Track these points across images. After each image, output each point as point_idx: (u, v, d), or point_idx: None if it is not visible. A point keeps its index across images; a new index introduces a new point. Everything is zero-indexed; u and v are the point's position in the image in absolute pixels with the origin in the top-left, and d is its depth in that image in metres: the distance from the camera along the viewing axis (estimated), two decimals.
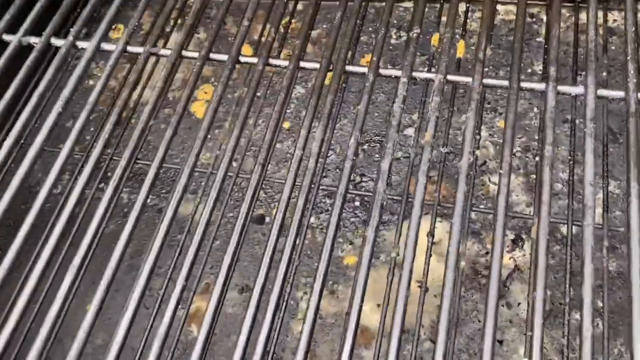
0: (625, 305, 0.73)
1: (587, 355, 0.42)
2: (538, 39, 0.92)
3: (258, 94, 0.87)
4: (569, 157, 0.76)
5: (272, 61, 0.58)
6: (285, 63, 0.58)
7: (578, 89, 0.52)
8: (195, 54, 0.59)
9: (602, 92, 0.51)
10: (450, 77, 0.54)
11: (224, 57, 0.59)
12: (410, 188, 0.86)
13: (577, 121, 0.79)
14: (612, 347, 0.69)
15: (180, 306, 0.65)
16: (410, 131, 0.88)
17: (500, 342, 0.71)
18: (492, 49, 0.94)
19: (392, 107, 0.53)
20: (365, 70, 0.56)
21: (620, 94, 0.51)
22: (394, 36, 0.99)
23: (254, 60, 0.59)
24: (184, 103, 0.56)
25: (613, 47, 0.87)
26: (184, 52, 0.60)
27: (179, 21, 0.92)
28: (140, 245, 0.87)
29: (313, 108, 0.55)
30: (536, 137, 0.86)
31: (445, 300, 0.45)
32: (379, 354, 0.66)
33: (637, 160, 0.46)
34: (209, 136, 0.76)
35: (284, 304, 0.72)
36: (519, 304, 0.74)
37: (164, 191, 0.92)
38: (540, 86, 0.52)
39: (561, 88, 0.51)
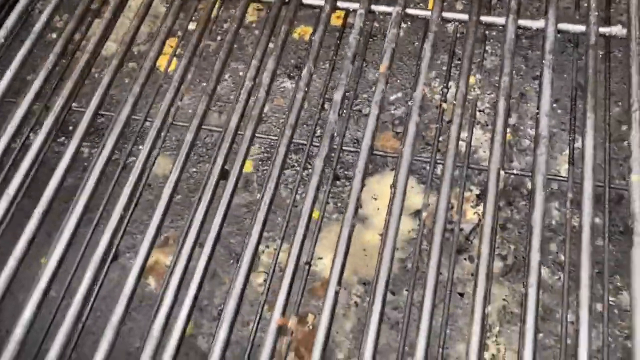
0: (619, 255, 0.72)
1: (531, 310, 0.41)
2: None
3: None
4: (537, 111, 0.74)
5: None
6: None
7: (539, 23, 0.50)
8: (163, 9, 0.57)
9: (563, 25, 0.49)
10: (409, 11, 0.52)
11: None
12: (377, 144, 0.85)
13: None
14: (572, 300, 0.68)
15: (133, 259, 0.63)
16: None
17: (462, 294, 0.70)
18: None
19: (349, 40, 0.51)
20: (321, 2, 0.54)
21: (581, 28, 0.49)
22: None
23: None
24: (154, 56, 0.53)
25: None
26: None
27: None
28: (99, 199, 0.85)
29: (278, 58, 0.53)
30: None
31: (386, 252, 0.44)
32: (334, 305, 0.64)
33: (593, 90, 0.45)
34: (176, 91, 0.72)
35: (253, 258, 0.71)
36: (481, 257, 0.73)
37: (125, 145, 0.90)
38: (501, 20, 0.51)
39: (522, 22, 0.50)
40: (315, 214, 0.84)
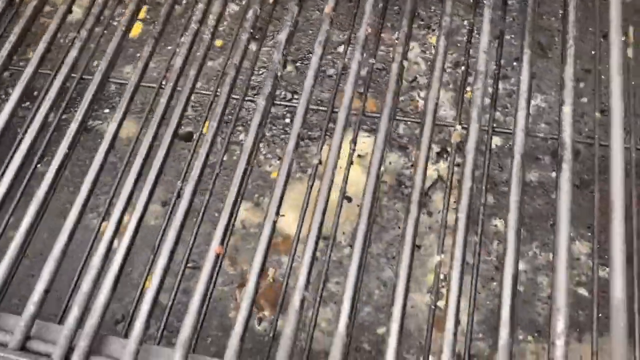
0: (543, 212, 0.73)
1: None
2: None
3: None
4: (496, 69, 0.75)
5: None
6: None
7: None
8: None
9: None
10: None
11: None
12: (338, 103, 0.85)
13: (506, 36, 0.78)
14: (528, 250, 0.69)
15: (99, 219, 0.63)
16: (342, 49, 0.86)
17: (419, 247, 0.71)
18: None
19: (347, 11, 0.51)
20: None
21: None
22: None
23: None
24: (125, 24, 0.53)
25: None
26: None
27: None
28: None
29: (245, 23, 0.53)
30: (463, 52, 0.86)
31: (364, 208, 0.45)
32: (292, 258, 0.65)
33: (531, 28, 0.46)
34: (137, 54, 0.72)
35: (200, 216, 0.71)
36: (439, 212, 0.74)
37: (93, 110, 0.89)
38: None
39: None
40: (275, 174, 0.84)
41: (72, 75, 0.71)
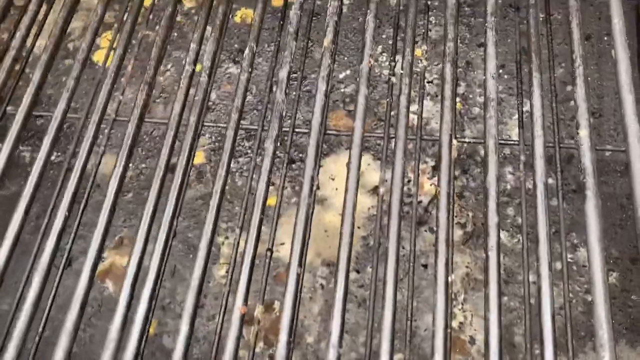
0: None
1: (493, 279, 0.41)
2: None
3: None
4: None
5: None
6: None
7: None
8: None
9: None
10: None
11: None
12: (330, 123, 0.84)
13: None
14: (533, 260, 0.69)
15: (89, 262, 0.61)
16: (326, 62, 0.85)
17: (425, 266, 0.70)
18: None
19: (289, 13, 0.49)
20: None
21: None
22: None
23: None
24: (86, 50, 0.51)
25: None
26: None
27: None
28: (47, 205, 0.81)
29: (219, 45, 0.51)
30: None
31: (345, 230, 0.43)
32: (300, 290, 0.64)
33: (537, 50, 0.45)
34: (115, 85, 0.69)
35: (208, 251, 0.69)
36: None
37: (69, 147, 0.86)
38: None
39: None
40: (272, 200, 0.82)
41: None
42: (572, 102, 0.56)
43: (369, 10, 0.49)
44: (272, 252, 0.68)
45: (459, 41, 0.83)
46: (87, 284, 0.42)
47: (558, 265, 0.66)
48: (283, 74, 0.47)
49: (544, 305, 0.39)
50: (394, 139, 0.73)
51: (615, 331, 0.53)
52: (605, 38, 0.82)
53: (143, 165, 0.83)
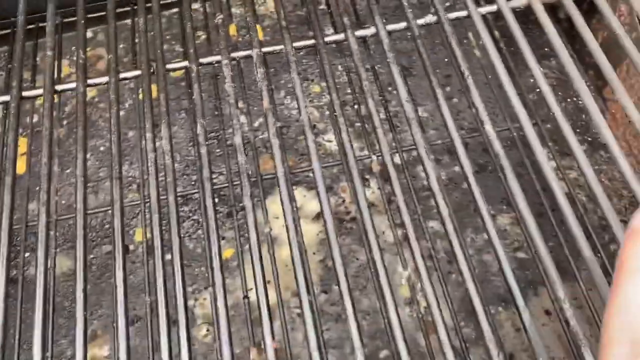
0: (463, 202, 0.86)
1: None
2: (321, 7, 1.02)
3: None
4: (380, 97, 0.86)
5: (91, 81, 0.58)
6: (105, 79, 0.58)
7: (370, 30, 0.60)
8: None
9: (389, 26, 0.60)
10: (265, 49, 0.59)
11: (39, 91, 0.57)
12: (262, 168, 0.91)
13: (375, 66, 0.89)
14: (466, 237, 0.81)
15: None
16: (243, 118, 0.92)
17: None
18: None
19: (224, 89, 0.56)
20: (185, 64, 0.59)
21: (402, 24, 0.60)
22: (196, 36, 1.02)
23: (72, 85, 0.58)
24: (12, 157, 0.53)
25: None
26: None
27: None
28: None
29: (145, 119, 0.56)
30: (347, 92, 0.96)
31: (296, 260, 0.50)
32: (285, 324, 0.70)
33: (433, 72, 0.56)
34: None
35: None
36: (383, 232, 0.83)
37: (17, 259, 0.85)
38: (340, 36, 0.60)
39: (358, 32, 0.60)
40: (229, 252, 0.88)
41: None
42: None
43: (291, 70, 0.58)
44: (248, 297, 0.74)
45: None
46: None
47: None
48: (237, 139, 0.53)
49: None
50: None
51: None
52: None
53: (91, 256, 0.85)
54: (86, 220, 0.54)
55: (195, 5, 1.04)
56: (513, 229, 0.81)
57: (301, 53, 0.98)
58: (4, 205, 0.54)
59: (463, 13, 0.59)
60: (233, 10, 1.00)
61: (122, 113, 0.97)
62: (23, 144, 0.96)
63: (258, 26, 0.94)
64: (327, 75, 0.56)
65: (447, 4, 1.02)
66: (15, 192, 0.56)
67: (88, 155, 0.93)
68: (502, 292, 0.75)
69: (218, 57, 0.58)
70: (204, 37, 1.01)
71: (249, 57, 0.59)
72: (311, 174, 0.88)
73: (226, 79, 0.56)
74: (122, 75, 0.58)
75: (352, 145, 0.56)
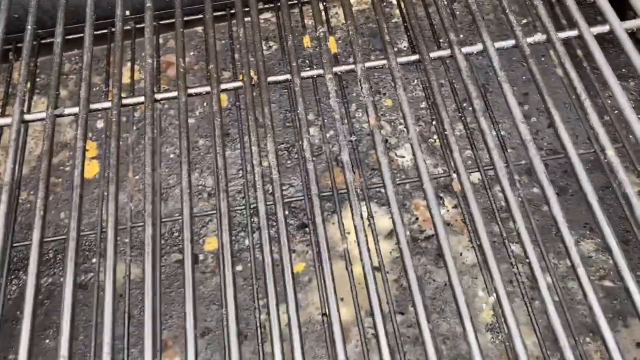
0: (545, 225, 0.83)
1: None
2: (394, 20, 1.00)
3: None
4: (459, 113, 0.84)
5: (192, 90, 0.57)
6: (174, 94, 0.56)
7: (477, 47, 0.58)
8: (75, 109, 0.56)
9: (498, 44, 0.58)
10: (368, 64, 0.58)
11: (139, 99, 0.56)
12: (329, 182, 0.89)
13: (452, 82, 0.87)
14: (548, 262, 0.78)
15: None
16: (313, 130, 0.91)
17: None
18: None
19: (296, 110, 0.55)
20: (287, 77, 0.57)
21: (511, 42, 0.58)
22: (265, 47, 1.01)
23: (174, 94, 0.57)
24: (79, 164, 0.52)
25: (457, 12, 0.98)
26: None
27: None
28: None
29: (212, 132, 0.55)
30: (422, 106, 0.94)
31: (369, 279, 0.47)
32: (364, 339, 0.68)
33: (547, 89, 0.54)
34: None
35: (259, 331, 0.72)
36: (460, 254, 0.80)
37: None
38: (446, 52, 0.58)
39: (465, 49, 0.58)
40: (300, 266, 0.86)
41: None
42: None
43: (363, 87, 0.56)
44: (326, 315, 0.72)
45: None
46: None
47: None
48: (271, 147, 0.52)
49: None
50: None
51: None
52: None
53: (160, 264, 0.84)
54: (156, 230, 0.52)
55: (266, 15, 1.04)
56: (598, 255, 0.78)
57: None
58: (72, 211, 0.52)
59: (543, 37, 0.56)
60: (305, 21, 0.98)
61: (192, 121, 0.96)
62: (92, 149, 0.96)
63: (331, 38, 0.92)
64: (434, 91, 0.54)
65: (524, 21, 1.00)
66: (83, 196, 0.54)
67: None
68: (589, 321, 0.72)
69: (320, 71, 0.57)
70: (275, 47, 1.00)
71: (352, 71, 0.57)
72: (382, 190, 0.86)
73: (330, 93, 0.55)
74: (222, 87, 0.57)
75: (425, 162, 0.54)
